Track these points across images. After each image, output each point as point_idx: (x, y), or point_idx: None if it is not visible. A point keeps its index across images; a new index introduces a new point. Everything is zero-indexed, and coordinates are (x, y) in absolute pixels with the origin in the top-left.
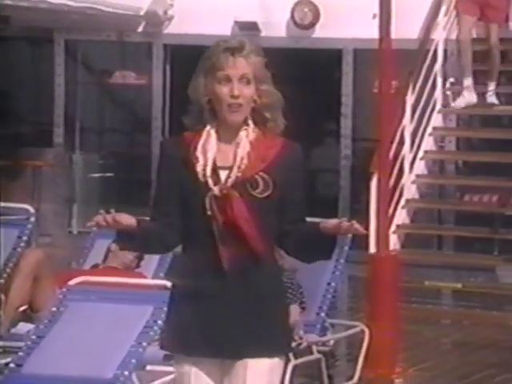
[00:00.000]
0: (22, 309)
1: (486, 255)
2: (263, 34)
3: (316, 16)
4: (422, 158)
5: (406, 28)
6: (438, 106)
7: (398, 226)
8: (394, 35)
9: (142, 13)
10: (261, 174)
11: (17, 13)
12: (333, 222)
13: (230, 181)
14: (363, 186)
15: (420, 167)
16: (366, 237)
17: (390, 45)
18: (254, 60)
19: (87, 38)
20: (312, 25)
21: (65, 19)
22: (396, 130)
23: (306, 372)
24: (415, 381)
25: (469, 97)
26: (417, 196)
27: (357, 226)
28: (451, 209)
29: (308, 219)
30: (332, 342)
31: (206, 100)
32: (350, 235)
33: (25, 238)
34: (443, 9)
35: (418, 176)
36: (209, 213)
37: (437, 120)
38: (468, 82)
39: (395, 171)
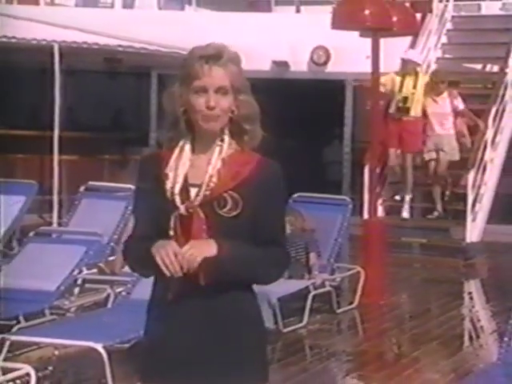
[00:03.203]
0: None
1: (443, 220)
2: (292, 69)
3: (328, 57)
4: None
5: (390, 65)
6: None
7: (383, 200)
8: (381, 70)
9: None
10: (230, 192)
11: (126, 56)
12: None
13: (198, 199)
14: (359, 173)
15: None
16: (361, 207)
17: (379, 76)
18: (232, 69)
19: (172, 73)
20: (325, 63)
21: (158, 60)
22: (382, 135)
23: (321, 299)
24: (396, 305)
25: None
26: (396, 179)
27: None
28: (420, 188)
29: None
30: (338, 279)
31: (181, 110)
32: (350, 207)
33: (130, 207)
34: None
35: None
36: (171, 233)
37: None
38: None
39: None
